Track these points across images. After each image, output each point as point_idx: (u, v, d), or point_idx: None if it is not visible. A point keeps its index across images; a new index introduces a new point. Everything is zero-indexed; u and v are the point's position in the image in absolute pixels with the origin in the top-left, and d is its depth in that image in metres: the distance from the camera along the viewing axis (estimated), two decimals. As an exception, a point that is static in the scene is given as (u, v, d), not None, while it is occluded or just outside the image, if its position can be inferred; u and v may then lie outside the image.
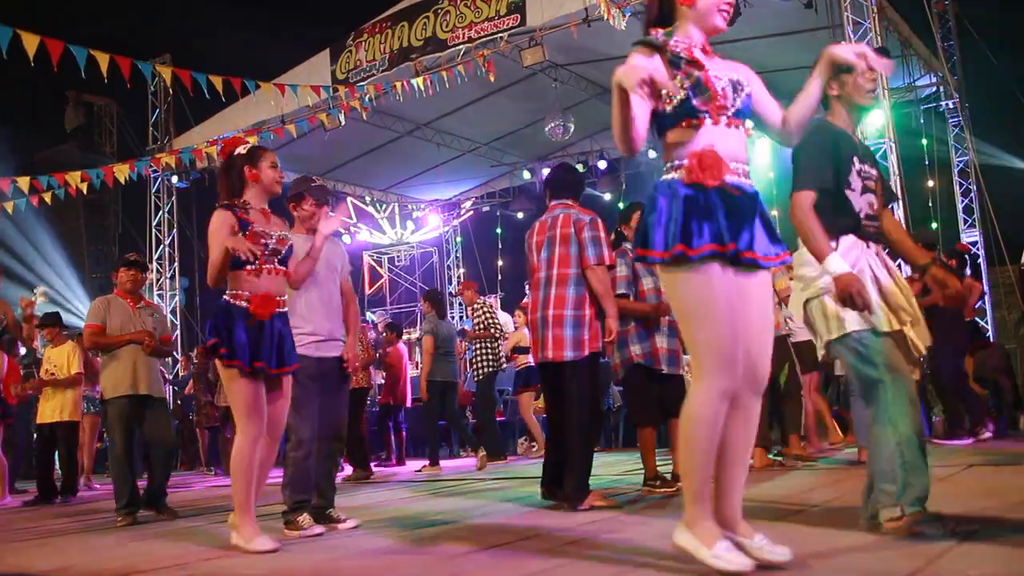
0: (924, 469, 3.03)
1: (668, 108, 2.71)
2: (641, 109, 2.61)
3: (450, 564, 3.22)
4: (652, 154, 14.79)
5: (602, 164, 15.28)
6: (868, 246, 3.21)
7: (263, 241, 3.90)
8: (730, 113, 2.72)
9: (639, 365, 5.32)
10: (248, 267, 3.86)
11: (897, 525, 3.00)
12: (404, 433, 11.10)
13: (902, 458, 3.01)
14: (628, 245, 5.42)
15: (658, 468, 5.28)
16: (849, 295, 2.94)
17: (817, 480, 5.45)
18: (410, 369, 11.80)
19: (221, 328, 3.83)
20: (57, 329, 8.59)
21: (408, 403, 11.19)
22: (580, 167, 15.42)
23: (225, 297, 3.92)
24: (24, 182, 11.42)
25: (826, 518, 3.69)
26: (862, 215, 3.22)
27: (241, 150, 4.08)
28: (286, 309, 4.08)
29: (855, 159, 3.24)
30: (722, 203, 2.63)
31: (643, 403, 5.40)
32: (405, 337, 16.98)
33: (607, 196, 16.00)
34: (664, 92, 2.66)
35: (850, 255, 3.12)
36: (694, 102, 2.68)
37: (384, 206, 18.38)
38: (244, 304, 3.86)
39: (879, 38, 9.87)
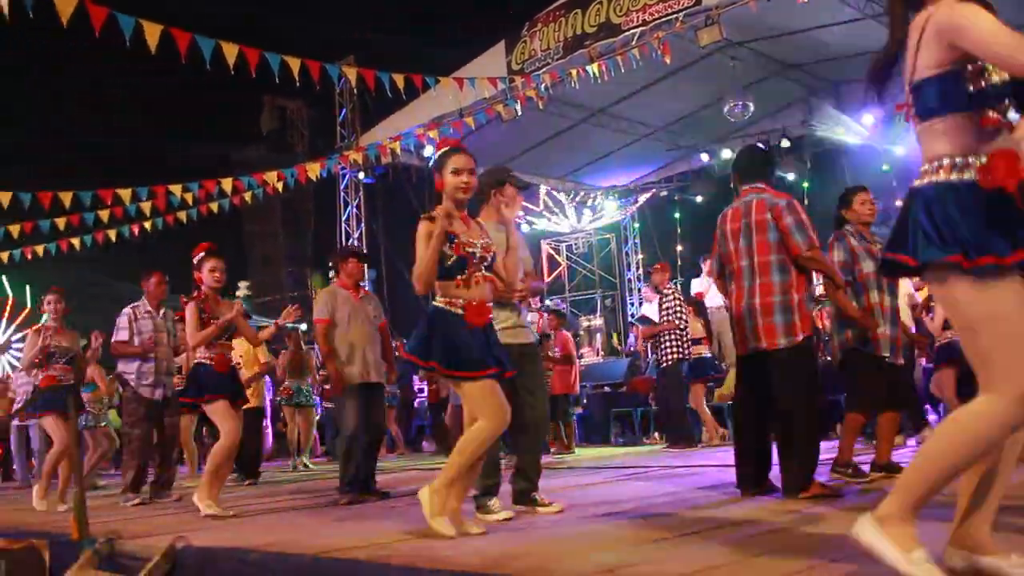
0: None
1: (974, 87, 2.30)
2: None
3: (633, 552, 3.19)
4: (840, 133, 14.16)
5: (785, 143, 14.72)
6: None
7: (469, 250, 3.89)
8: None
9: (856, 350, 5.13)
10: (458, 278, 3.87)
11: None
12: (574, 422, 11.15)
13: None
14: (849, 228, 5.32)
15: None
16: None
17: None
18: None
19: (434, 335, 3.85)
20: None
21: (577, 390, 11.22)
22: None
23: (436, 304, 3.91)
24: (227, 183, 12.25)
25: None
26: None
27: (437, 155, 4.05)
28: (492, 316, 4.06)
29: None
30: (1015, 208, 2.27)
31: (861, 389, 5.19)
32: (586, 324, 17.12)
33: (791, 176, 15.42)
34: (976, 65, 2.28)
35: None
36: (1008, 87, 2.29)
37: (561, 194, 18.49)
38: (459, 311, 3.85)
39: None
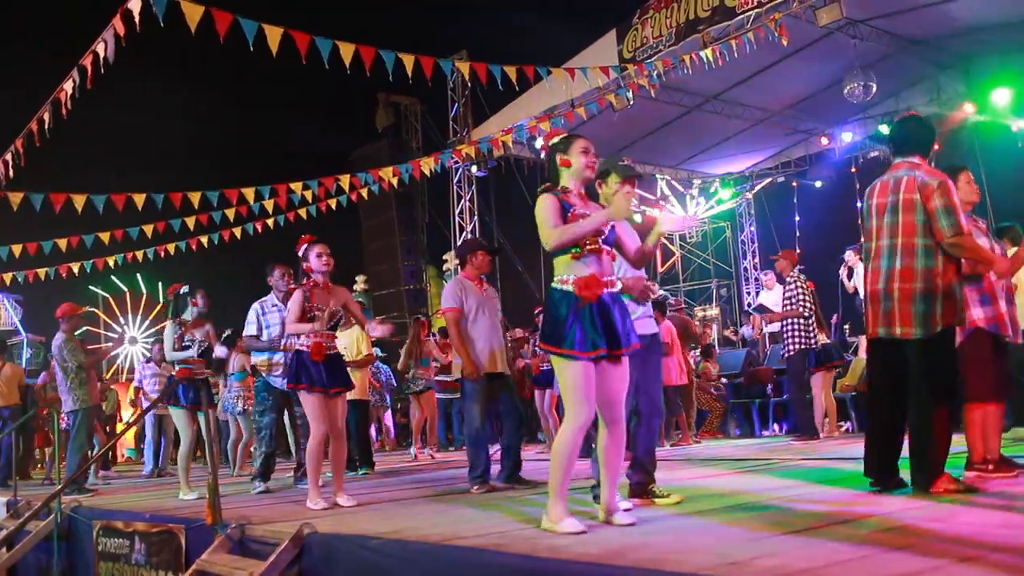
0: None
1: None
2: None
3: (755, 545, 3.12)
4: (970, 108, 13.52)
5: (909, 124, 14.09)
6: None
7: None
8: None
9: (982, 331, 4.81)
10: (573, 251, 3.82)
11: None
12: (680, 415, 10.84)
13: None
14: None
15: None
16: None
17: None
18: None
19: (558, 319, 3.80)
20: None
21: (675, 381, 10.83)
22: (884, 128, 14.37)
23: (553, 285, 3.89)
24: (345, 180, 12.55)
25: None
26: None
27: (556, 140, 4.11)
28: (616, 288, 3.94)
29: None
30: None
31: (985, 374, 4.80)
32: (701, 314, 16.85)
33: (916, 158, 14.76)
34: None
35: None
36: None
37: (674, 182, 18.24)
38: (569, 288, 3.80)
39: None
